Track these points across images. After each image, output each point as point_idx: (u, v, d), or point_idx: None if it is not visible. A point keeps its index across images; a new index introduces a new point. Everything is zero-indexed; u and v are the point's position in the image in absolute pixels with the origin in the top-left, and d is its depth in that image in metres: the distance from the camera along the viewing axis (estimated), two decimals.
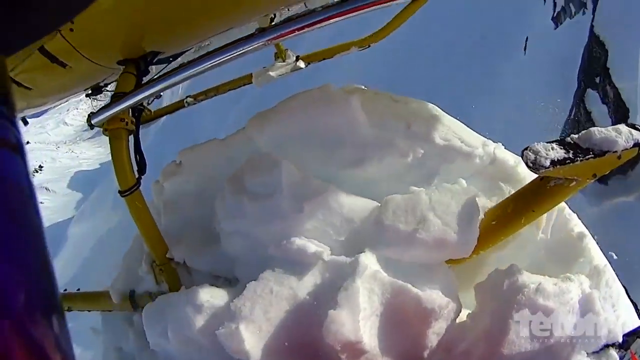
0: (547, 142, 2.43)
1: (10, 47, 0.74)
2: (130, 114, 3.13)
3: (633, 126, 2.56)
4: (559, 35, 23.56)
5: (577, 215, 3.09)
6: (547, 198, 2.59)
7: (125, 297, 3.59)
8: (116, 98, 2.95)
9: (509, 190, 3.02)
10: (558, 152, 2.37)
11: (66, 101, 4.52)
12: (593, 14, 18.89)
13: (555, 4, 25.90)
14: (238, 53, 2.69)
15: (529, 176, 2.95)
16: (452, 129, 3.12)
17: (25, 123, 4.92)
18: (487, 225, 2.74)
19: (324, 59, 5.61)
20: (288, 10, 4.04)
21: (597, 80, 16.47)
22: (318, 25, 2.59)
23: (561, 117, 18.58)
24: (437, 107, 3.43)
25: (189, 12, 2.95)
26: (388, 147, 3.02)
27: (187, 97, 5.91)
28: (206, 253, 3.27)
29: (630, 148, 2.39)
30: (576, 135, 2.49)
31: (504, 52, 26.73)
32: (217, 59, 2.74)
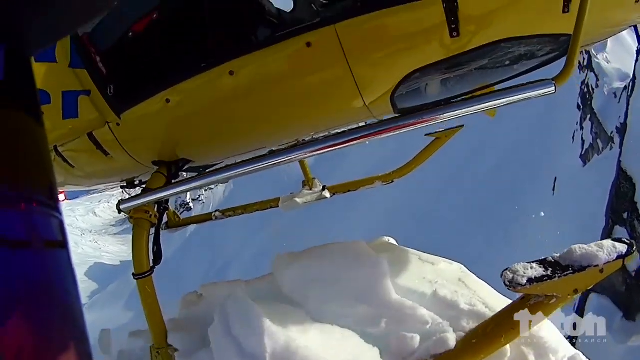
0: (528, 262, 2.51)
1: (36, 45, 0.76)
2: (156, 209, 3.41)
3: (619, 240, 2.65)
4: (587, 173, 23.79)
5: (603, 354, 3.15)
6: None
7: None
8: (145, 192, 3.25)
9: (531, 355, 2.98)
10: (537, 271, 2.44)
11: (101, 190, 4.84)
12: (620, 148, 19.07)
13: (583, 141, 26.50)
14: (255, 168, 2.95)
15: (551, 341, 2.98)
16: (477, 293, 3.19)
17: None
18: (467, 343, 2.77)
19: (349, 190, 5.89)
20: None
21: (625, 216, 16.25)
22: (342, 146, 2.81)
23: None
24: (463, 268, 3.58)
25: (219, 136, 3.32)
26: (411, 313, 3.05)
27: (216, 211, 6.28)
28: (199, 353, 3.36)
29: (614, 261, 2.45)
30: (557, 254, 2.57)
31: (533, 193, 27.00)
32: (236, 171, 3.01)
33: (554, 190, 26.43)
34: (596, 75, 27.74)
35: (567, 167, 26.19)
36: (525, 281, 2.40)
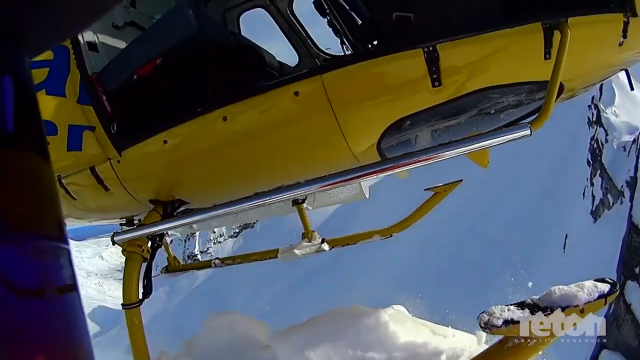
0: (506, 305, 2.45)
1: (36, 47, 0.76)
2: (150, 244, 3.50)
3: (602, 280, 2.63)
4: (598, 229, 23.65)
5: None
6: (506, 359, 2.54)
7: None
8: (138, 227, 3.38)
9: None
10: (514, 313, 2.39)
11: (104, 231, 4.95)
12: (631, 201, 19.16)
13: (593, 197, 26.52)
14: (241, 207, 3.03)
15: None
16: None
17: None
18: None
19: (348, 244, 5.84)
20: None
21: (637, 270, 16.02)
22: (339, 185, 2.92)
23: (599, 312, 17.68)
24: (476, 339, 3.60)
25: (212, 179, 3.44)
26: (423, 350, 3.12)
27: (215, 259, 6.28)
28: None
29: (595, 301, 2.42)
30: (537, 297, 2.50)
31: (544, 252, 26.77)
32: (225, 210, 3.09)
33: (564, 247, 26.18)
34: (605, 130, 27.99)
35: (578, 224, 26.03)
36: (500, 323, 2.38)
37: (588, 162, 29.46)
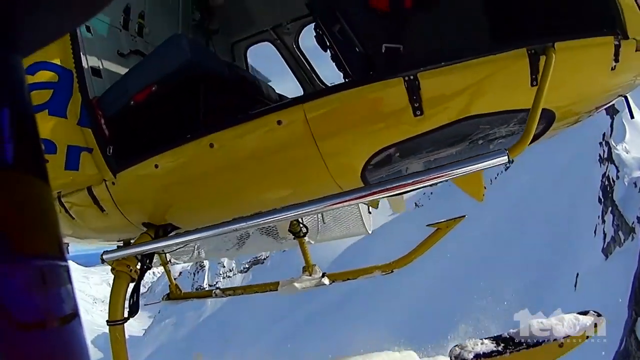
0: (481, 338, 2.45)
1: (28, 47, 0.75)
2: (139, 266, 3.61)
3: (585, 312, 2.59)
4: (609, 267, 23.26)
5: None
6: None
7: None
8: (126, 247, 3.51)
9: None
10: (487, 346, 2.38)
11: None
12: None
13: (605, 235, 26.18)
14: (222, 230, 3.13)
15: None
16: None
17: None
18: None
19: (349, 279, 5.88)
20: None
21: None
22: (335, 207, 2.90)
23: (610, 349, 17.42)
24: None
25: (200, 204, 3.54)
26: None
27: (217, 288, 6.42)
28: None
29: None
30: (514, 330, 2.50)
31: (555, 291, 26.37)
32: (210, 232, 3.20)
33: (575, 285, 25.84)
34: (616, 167, 27.83)
35: (589, 262, 25.74)
36: (472, 356, 2.38)
37: (599, 199, 29.23)
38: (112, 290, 3.54)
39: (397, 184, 2.69)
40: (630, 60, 2.77)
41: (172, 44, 3.55)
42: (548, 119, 2.82)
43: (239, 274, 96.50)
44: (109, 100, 3.46)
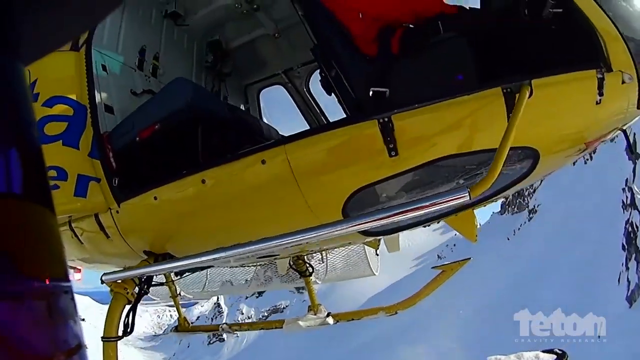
0: None
1: (30, 56, 0.76)
2: (137, 290, 3.84)
3: (549, 351, 2.58)
4: (633, 314, 22.76)
5: None
6: None
7: None
8: (125, 269, 3.78)
9: None
10: None
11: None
12: None
13: (629, 282, 25.69)
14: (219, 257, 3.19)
15: None
16: None
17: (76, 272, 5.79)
18: None
19: (353, 319, 6.00)
20: None
21: None
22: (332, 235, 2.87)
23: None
24: None
25: (193, 235, 3.76)
26: None
27: (224, 323, 6.58)
28: None
29: None
30: None
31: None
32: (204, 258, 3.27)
33: (599, 333, 25.22)
34: None
35: (613, 310, 25.13)
36: None
37: (623, 246, 28.72)
38: (108, 309, 3.73)
39: (361, 221, 2.70)
40: (617, 93, 2.72)
41: (175, 87, 3.83)
42: (532, 157, 2.84)
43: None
44: (118, 136, 3.71)
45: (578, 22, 2.61)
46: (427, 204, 2.54)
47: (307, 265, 6.03)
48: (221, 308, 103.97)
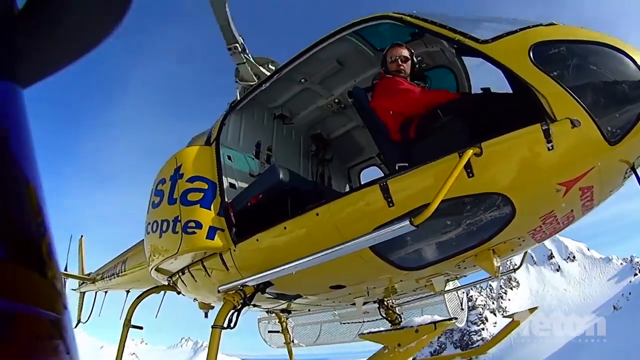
0: None
1: (30, 78, 0.76)
2: (241, 301, 4.82)
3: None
4: None
5: None
6: None
7: None
8: (234, 281, 4.69)
9: None
10: None
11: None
12: None
13: None
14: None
15: None
16: None
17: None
18: None
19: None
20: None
21: None
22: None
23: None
24: None
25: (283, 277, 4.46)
26: None
27: None
28: None
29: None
30: None
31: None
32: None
33: None
34: None
35: None
36: None
37: None
38: (220, 310, 4.80)
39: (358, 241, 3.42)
40: (569, 136, 2.99)
41: (271, 170, 5.04)
42: (505, 202, 3.34)
43: None
44: (236, 203, 4.97)
45: (525, 91, 3.11)
46: (375, 235, 3.32)
47: (397, 315, 6.72)
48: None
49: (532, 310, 5.77)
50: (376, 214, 3.62)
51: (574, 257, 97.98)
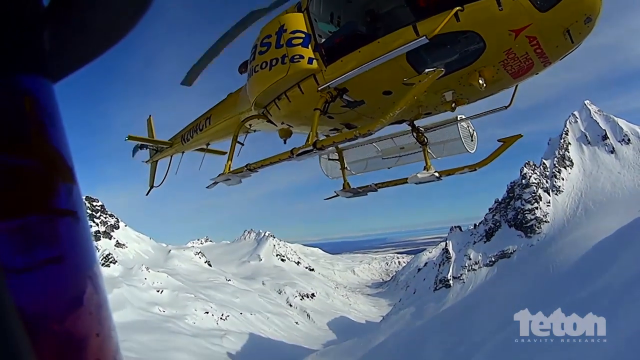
0: None
1: (60, 74, 0.79)
2: (329, 98, 6.94)
3: None
4: None
5: None
6: None
7: None
8: (327, 81, 6.84)
9: None
10: None
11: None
12: None
13: None
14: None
15: None
16: None
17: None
18: None
19: (450, 175, 8.47)
20: None
21: None
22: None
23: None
24: None
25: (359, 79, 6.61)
26: None
27: (372, 184, 10.22)
28: None
29: None
30: None
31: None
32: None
33: None
34: None
35: None
36: None
37: None
38: (319, 101, 6.96)
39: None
40: (510, 3, 5.18)
41: (349, 22, 7.38)
42: (479, 39, 5.57)
43: (484, 267, 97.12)
44: (326, 44, 6.94)
45: None
46: (407, 45, 5.76)
47: (424, 136, 8.63)
48: (449, 254, 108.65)
49: (516, 136, 7.98)
50: (410, 37, 5.70)
51: (628, 139, 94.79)
